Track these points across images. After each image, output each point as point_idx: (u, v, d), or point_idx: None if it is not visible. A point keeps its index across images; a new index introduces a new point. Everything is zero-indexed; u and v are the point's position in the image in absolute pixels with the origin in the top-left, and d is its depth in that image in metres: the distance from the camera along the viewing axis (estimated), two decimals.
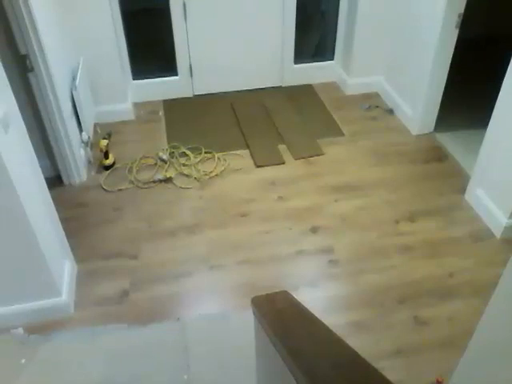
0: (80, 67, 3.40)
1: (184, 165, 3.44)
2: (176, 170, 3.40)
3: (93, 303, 2.53)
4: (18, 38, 2.64)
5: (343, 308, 2.51)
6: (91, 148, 3.49)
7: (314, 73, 4.37)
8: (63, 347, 2.33)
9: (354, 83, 4.17)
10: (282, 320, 1.32)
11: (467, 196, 3.13)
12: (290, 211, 3.07)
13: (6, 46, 2.66)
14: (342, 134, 3.76)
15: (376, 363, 1.03)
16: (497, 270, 2.49)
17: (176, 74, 4.11)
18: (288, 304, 1.39)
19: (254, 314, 1.43)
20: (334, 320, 2.33)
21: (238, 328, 2.30)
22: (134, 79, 4.06)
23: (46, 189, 2.40)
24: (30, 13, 2.58)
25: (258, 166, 3.44)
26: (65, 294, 2.45)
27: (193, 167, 3.42)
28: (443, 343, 2.32)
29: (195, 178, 3.33)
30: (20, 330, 2.37)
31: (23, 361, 2.25)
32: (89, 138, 3.43)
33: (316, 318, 1.24)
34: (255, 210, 3.08)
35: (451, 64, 3.38)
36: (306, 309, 1.31)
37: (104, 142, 3.35)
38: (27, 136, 2.23)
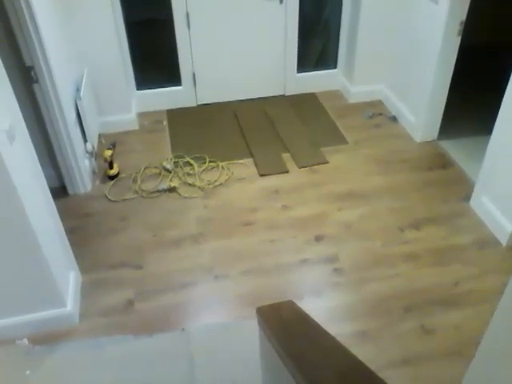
0: (84, 78, 3.42)
1: (188, 174, 3.45)
2: (180, 179, 3.41)
3: (98, 314, 2.53)
4: (23, 50, 2.66)
5: (348, 317, 2.50)
6: (96, 158, 3.50)
7: (316, 81, 4.38)
8: (68, 358, 2.32)
9: (357, 91, 4.18)
10: (287, 330, 1.32)
11: (472, 203, 3.12)
12: (294, 220, 3.06)
13: (11, 57, 2.68)
14: (346, 142, 3.76)
15: (382, 373, 1.02)
16: (503, 277, 2.49)
17: (180, 84, 4.13)
18: (293, 313, 1.39)
19: (259, 323, 1.43)
20: (339, 329, 2.32)
21: (243, 338, 2.29)
22: (138, 89, 4.08)
23: (51, 199, 2.41)
24: (35, 25, 2.60)
25: (262, 175, 3.44)
26: (70, 305, 2.45)
27: (197, 176, 3.42)
28: (450, 352, 2.31)
29: (199, 187, 3.34)
30: (25, 341, 2.37)
31: (28, 372, 2.25)
32: (93, 148, 3.45)
33: (321, 327, 1.24)
34: (259, 219, 3.08)
35: (454, 71, 3.38)
36: (311, 318, 1.30)
37: (108, 152, 3.36)
38: (32, 147, 2.24)
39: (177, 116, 4.10)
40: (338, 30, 4.16)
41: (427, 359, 2.28)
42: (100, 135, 3.78)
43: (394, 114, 4.03)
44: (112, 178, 3.42)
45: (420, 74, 3.56)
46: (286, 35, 4.05)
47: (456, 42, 3.24)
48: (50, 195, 2.40)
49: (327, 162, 3.54)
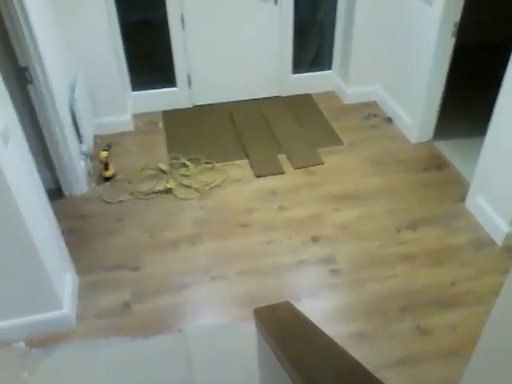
0: (79, 79, 3.41)
1: (184, 175, 3.44)
2: (176, 180, 3.40)
3: (95, 315, 2.52)
4: (17, 51, 2.65)
5: (345, 318, 2.50)
6: (91, 160, 3.49)
7: (312, 82, 4.39)
8: (65, 360, 2.31)
9: (353, 92, 4.19)
10: (284, 331, 1.32)
11: (468, 204, 3.13)
12: (291, 221, 3.06)
13: (5, 58, 2.67)
14: (342, 143, 3.77)
15: (379, 373, 1.03)
16: (499, 277, 2.50)
17: (175, 85, 4.12)
18: (290, 315, 1.39)
19: (256, 324, 1.43)
20: (336, 330, 2.33)
21: (241, 339, 2.28)
22: (133, 91, 4.07)
23: (47, 201, 2.41)
24: (29, 26, 2.59)
25: (258, 176, 3.44)
26: (66, 307, 2.44)
27: (193, 178, 3.42)
28: (447, 352, 2.31)
29: (195, 188, 3.33)
30: (21, 344, 2.36)
31: (25, 375, 2.23)
32: (89, 149, 3.44)
33: (318, 328, 1.24)
34: (256, 220, 3.08)
35: (449, 72, 3.40)
36: (308, 319, 1.30)
37: (104, 154, 3.35)
38: (27, 148, 2.24)
39: (172, 117, 4.10)
40: (333, 31, 4.17)
41: (424, 360, 2.29)
42: (95, 136, 3.77)
43: (389, 115, 4.04)
44: (108, 179, 3.41)
45: (415, 75, 3.57)
46: (280, 36, 4.05)
47: (450, 43, 3.26)
48: (45, 197, 2.39)
49: (323, 163, 3.55)
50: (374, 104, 4.22)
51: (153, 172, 3.48)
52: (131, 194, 3.30)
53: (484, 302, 2.46)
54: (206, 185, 3.35)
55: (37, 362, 2.29)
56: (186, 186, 3.35)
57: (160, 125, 4.00)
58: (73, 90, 3.31)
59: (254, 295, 2.59)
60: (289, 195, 3.27)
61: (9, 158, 1.98)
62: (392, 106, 4.00)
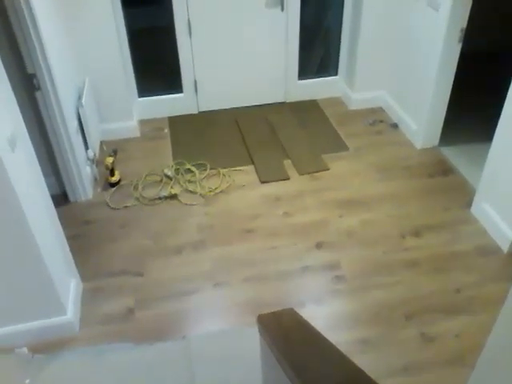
0: (86, 85, 3.44)
1: (189, 181, 3.45)
2: (181, 186, 3.41)
3: (98, 321, 2.52)
4: (25, 58, 2.68)
5: (349, 325, 2.49)
6: (97, 165, 3.51)
7: (318, 88, 4.39)
8: (68, 366, 2.31)
9: (358, 98, 4.19)
10: (288, 338, 1.31)
11: (473, 210, 3.11)
12: (295, 227, 3.06)
13: (13, 65, 2.69)
14: (347, 149, 3.76)
15: (383, 381, 1.02)
16: (504, 284, 2.49)
17: (181, 91, 4.14)
18: (293, 321, 1.39)
19: (260, 331, 1.43)
20: (340, 337, 2.31)
21: (244, 345, 2.28)
22: (139, 97, 4.09)
23: (52, 206, 2.42)
24: (37, 32, 2.62)
25: (263, 182, 3.44)
26: (70, 313, 2.44)
27: (198, 183, 3.43)
28: (451, 360, 2.29)
29: (200, 194, 3.34)
30: (24, 350, 2.36)
31: (27, 381, 2.23)
32: (95, 155, 3.46)
33: (322, 335, 1.24)
34: (260, 226, 3.08)
35: (455, 77, 3.39)
36: (312, 326, 1.30)
37: (110, 160, 3.37)
38: (34, 154, 2.25)
39: (178, 123, 4.11)
40: (339, 37, 4.17)
41: (428, 367, 2.27)
42: (101, 142, 3.79)
43: (395, 120, 4.03)
44: (113, 185, 3.42)
45: (421, 80, 3.56)
46: (287, 42, 4.06)
47: (457, 48, 3.25)
48: (51, 202, 2.40)
49: (328, 169, 3.54)
50: (380, 110, 4.22)
51: (158, 178, 3.49)
52: (136, 199, 3.31)
53: (489, 310, 2.44)
54: (211, 190, 3.36)
55: (39, 367, 2.29)
56: (191, 192, 3.36)
57: (166, 131, 4.02)
58: (80, 97, 3.33)
59: (258, 302, 2.58)
60: (293, 201, 3.27)
61: (15, 164, 1.99)
62: (398, 111, 4.00)
